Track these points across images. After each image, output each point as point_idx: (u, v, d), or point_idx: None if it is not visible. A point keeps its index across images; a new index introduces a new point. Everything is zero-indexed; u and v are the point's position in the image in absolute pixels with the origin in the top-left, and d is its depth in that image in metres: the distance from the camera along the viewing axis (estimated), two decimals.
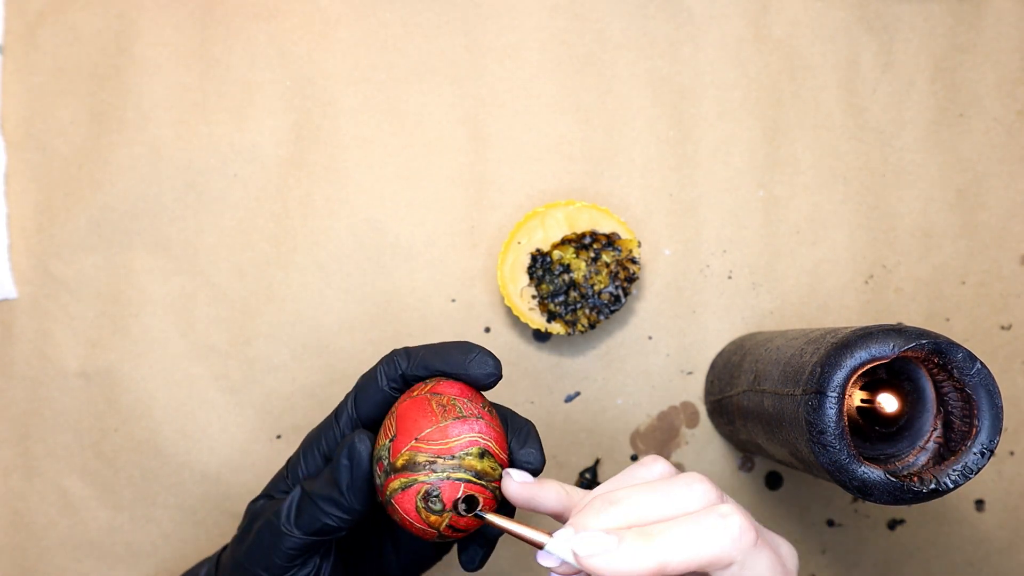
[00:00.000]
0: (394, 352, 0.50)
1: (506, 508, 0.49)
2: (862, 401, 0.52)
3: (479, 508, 0.45)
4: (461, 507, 0.45)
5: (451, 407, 0.47)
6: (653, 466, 0.45)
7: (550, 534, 0.42)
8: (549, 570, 0.43)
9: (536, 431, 0.50)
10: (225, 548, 0.55)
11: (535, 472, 0.49)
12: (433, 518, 0.45)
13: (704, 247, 0.70)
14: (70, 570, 0.68)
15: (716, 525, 0.40)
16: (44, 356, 0.69)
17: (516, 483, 0.46)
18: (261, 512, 0.51)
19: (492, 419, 0.48)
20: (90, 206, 0.69)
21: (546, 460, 0.50)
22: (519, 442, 0.49)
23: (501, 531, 0.45)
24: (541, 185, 0.70)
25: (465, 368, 0.48)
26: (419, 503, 0.45)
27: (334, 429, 0.51)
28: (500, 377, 0.49)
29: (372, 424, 0.51)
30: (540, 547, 0.42)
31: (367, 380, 0.51)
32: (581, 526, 0.42)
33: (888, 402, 0.52)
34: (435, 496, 0.45)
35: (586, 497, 0.45)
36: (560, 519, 0.47)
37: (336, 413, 0.51)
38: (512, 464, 0.49)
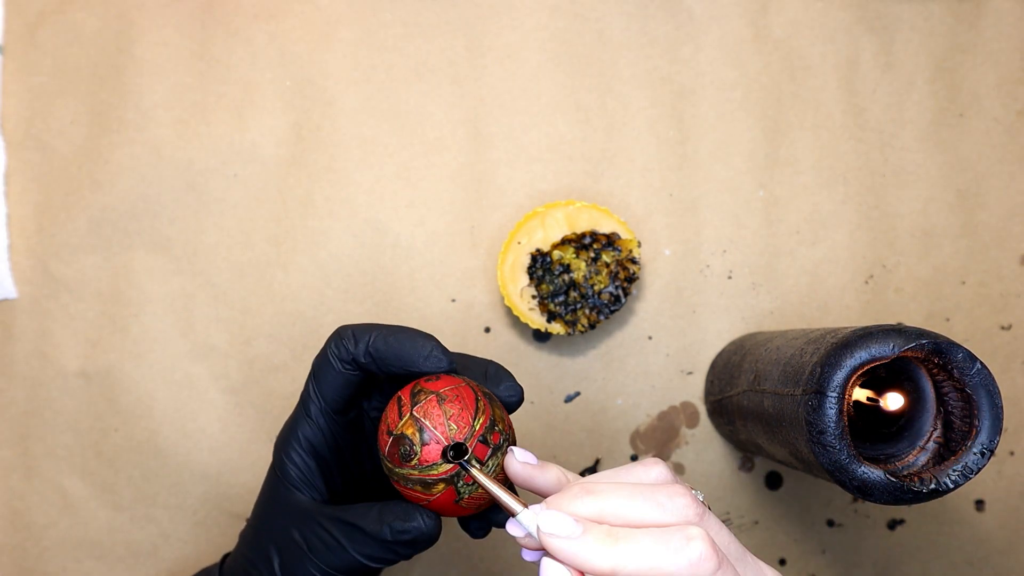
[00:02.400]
0: (340, 332, 0.50)
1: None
2: (868, 400, 0.52)
3: (465, 457, 0.46)
4: (450, 454, 0.45)
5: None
6: (652, 468, 0.45)
7: (526, 505, 0.42)
8: (517, 541, 0.43)
9: (502, 366, 0.51)
10: (225, 559, 0.55)
11: (519, 402, 0.50)
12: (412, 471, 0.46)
13: (704, 247, 0.70)
14: (70, 570, 0.68)
15: (678, 547, 0.40)
16: (44, 356, 0.69)
17: (518, 462, 0.46)
18: (287, 543, 0.50)
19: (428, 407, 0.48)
20: (90, 206, 0.69)
21: (523, 389, 0.51)
22: (493, 383, 0.50)
23: (480, 488, 0.46)
24: (541, 185, 0.70)
25: (419, 365, 0.48)
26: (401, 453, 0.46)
27: (308, 423, 0.51)
28: (453, 370, 0.49)
29: (340, 406, 0.50)
30: (513, 514, 0.43)
31: (321, 363, 0.50)
32: (555, 505, 0.42)
33: (895, 401, 0.52)
34: (407, 440, 0.46)
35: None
36: None
37: (304, 405, 0.51)
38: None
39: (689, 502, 0.42)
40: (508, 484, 0.48)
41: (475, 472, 0.45)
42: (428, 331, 0.69)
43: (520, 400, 0.50)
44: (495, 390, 0.50)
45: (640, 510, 0.42)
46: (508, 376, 0.50)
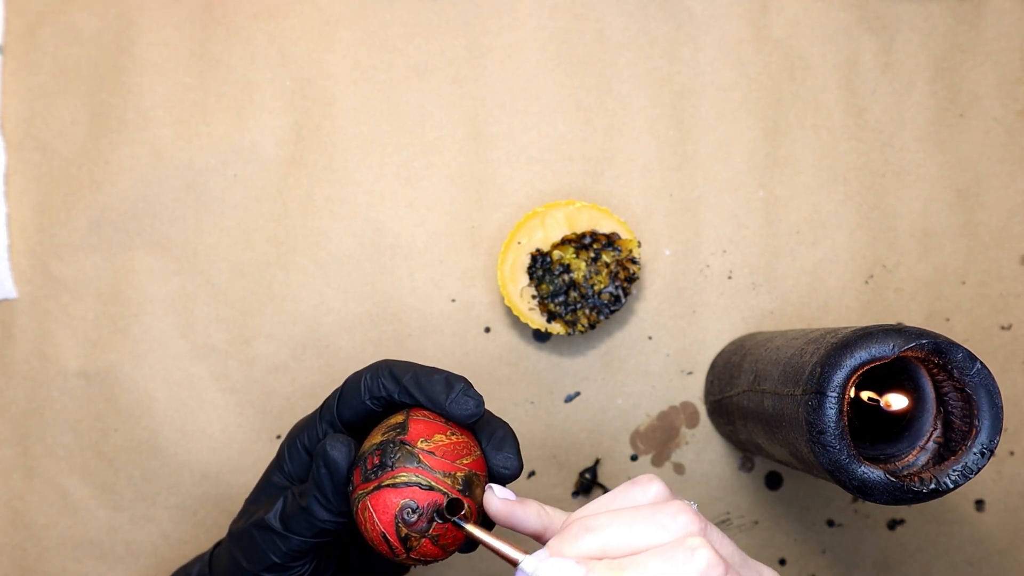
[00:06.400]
0: (380, 367, 0.50)
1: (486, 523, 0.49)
2: (868, 400, 0.52)
3: (459, 515, 0.45)
4: (443, 512, 0.45)
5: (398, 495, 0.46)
6: (648, 487, 0.45)
7: (526, 552, 0.42)
8: None
9: (513, 433, 0.50)
10: (218, 545, 0.55)
11: (512, 477, 0.49)
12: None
13: (704, 247, 0.70)
14: (70, 570, 0.68)
15: (683, 559, 0.40)
16: (44, 356, 0.69)
17: (498, 499, 0.46)
18: (255, 514, 0.51)
19: (436, 458, 0.47)
20: (90, 206, 0.69)
21: (523, 465, 0.50)
22: (495, 447, 0.49)
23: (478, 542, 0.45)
24: (541, 185, 0.70)
25: (445, 407, 0.48)
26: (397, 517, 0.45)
27: (317, 427, 0.51)
28: (480, 415, 0.48)
29: (353, 428, 0.51)
30: (514, 564, 0.42)
31: (352, 386, 0.50)
32: (556, 551, 0.42)
33: (896, 401, 0.52)
34: (411, 509, 0.45)
35: (568, 518, 0.45)
36: (539, 540, 0.47)
37: (321, 411, 0.52)
38: (488, 469, 0.49)
39: (692, 519, 0.42)
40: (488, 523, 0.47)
41: (469, 527, 0.45)
42: (428, 331, 0.69)
43: (514, 476, 0.49)
44: (492, 457, 0.49)
45: (643, 536, 0.41)
46: (512, 446, 0.49)
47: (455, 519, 0.45)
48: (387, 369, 0.50)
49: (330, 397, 0.52)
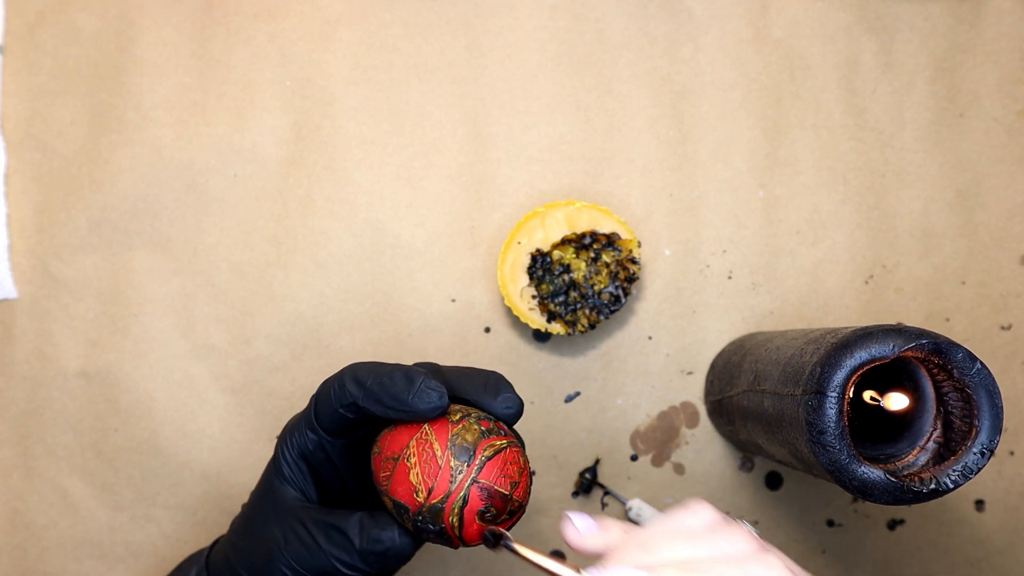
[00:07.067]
0: (345, 374, 0.49)
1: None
2: (871, 399, 0.52)
3: (504, 539, 0.45)
4: (489, 538, 0.45)
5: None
6: (699, 513, 0.43)
7: (578, 570, 0.40)
8: None
9: (502, 376, 0.49)
10: (214, 545, 0.55)
11: (516, 416, 0.48)
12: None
13: (704, 247, 0.70)
14: (70, 570, 0.68)
15: (757, 571, 0.39)
16: (44, 356, 0.69)
17: (581, 534, 0.44)
18: (261, 534, 0.50)
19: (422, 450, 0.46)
20: (90, 206, 0.69)
21: (523, 402, 0.49)
22: (490, 395, 0.48)
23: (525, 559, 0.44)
24: (541, 185, 0.70)
25: (408, 403, 0.47)
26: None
27: (304, 434, 0.50)
28: (444, 408, 0.47)
29: (334, 431, 0.50)
30: None
31: (324, 396, 0.49)
32: (616, 562, 0.40)
33: (897, 401, 0.52)
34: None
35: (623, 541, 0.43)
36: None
37: (305, 415, 0.51)
38: (492, 413, 0.48)
39: (750, 539, 0.41)
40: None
41: (519, 548, 0.43)
42: (428, 331, 0.69)
43: (518, 413, 0.49)
44: (491, 402, 0.48)
45: (704, 557, 0.40)
46: (506, 387, 0.49)
47: (504, 543, 0.44)
48: (352, 375, 0.48)
49: (308, 404, 0.51)
